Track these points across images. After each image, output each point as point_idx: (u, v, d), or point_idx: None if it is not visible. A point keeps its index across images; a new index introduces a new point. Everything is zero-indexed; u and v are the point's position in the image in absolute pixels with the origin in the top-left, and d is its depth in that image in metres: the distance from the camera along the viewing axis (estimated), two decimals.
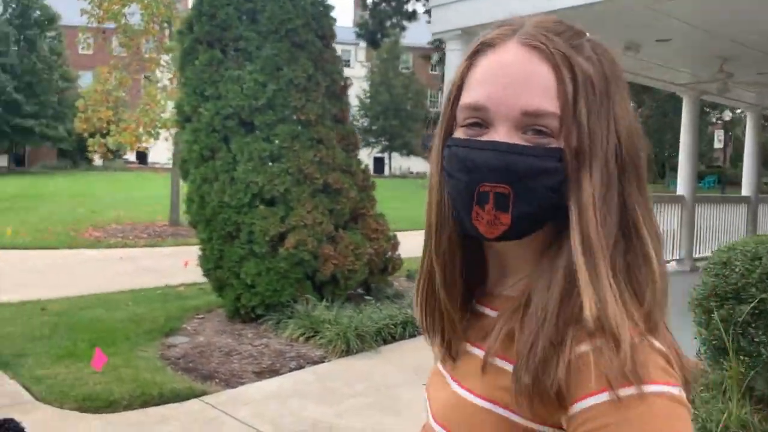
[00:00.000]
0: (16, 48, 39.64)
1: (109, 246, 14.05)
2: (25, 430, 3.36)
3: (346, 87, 8.10)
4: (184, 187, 8.05)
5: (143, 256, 12.93)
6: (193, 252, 14.34)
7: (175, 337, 7.18)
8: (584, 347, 0.79)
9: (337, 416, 4.70)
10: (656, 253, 0.86)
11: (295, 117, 7.19)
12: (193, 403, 4.85)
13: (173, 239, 15.11)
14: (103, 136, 16.88)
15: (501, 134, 0.84)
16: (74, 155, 48.46)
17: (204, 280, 10.67)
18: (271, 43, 7.14)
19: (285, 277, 6.95)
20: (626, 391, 0.75)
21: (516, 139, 0.84)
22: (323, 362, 5.87)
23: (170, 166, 18.20)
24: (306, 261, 7.00)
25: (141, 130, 15.26)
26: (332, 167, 7.36)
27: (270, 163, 7.05)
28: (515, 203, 0.83)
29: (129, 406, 4.78)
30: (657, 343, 0.81)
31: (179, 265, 12.39)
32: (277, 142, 7.06)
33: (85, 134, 16.93)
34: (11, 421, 3.22)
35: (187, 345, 6.69)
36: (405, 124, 49.61)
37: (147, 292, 9.38)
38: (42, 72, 39.85)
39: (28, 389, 5.25)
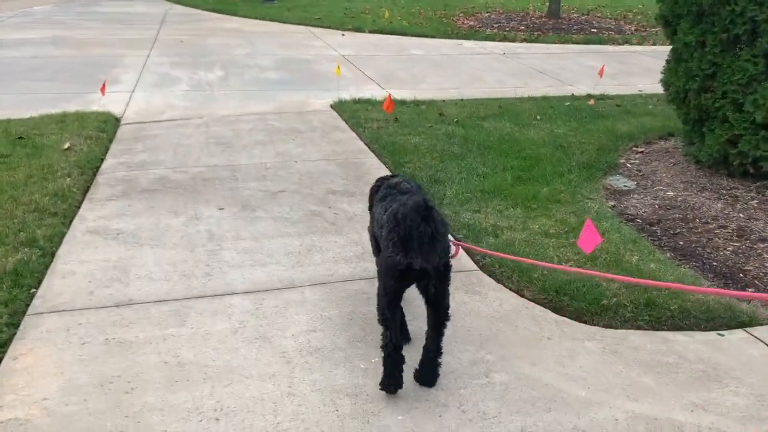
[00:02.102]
0: None
1: (486, 38, 12.32)
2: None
3: None
4: None
5: (527, 54, 10.94)
6: (586, 53, 11.88)
7: (616, 177, 5.20)
8: None
9: None
10: None
11: None
12: (742, 342, 2.84)
13: (555, 35, 12.75)
14: None
15: None
16: None
17: (617, 92, 8.38)
18: None
19: None
20: None
21: None
22: None
23: None
24: None
25: None
26: None
27: None
28: None
29: (632, 321, 2.97)
30: None
31: (572, 68, 10.18)
32: None
33: None
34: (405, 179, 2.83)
35: (649, 199, 4.64)
36: None
37: (552, 103, 7.44)
38: None
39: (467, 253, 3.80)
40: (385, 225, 2.37)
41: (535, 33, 12.85)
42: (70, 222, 3.99)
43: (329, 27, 13.08)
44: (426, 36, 12.47)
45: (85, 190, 4.55)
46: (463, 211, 4.24)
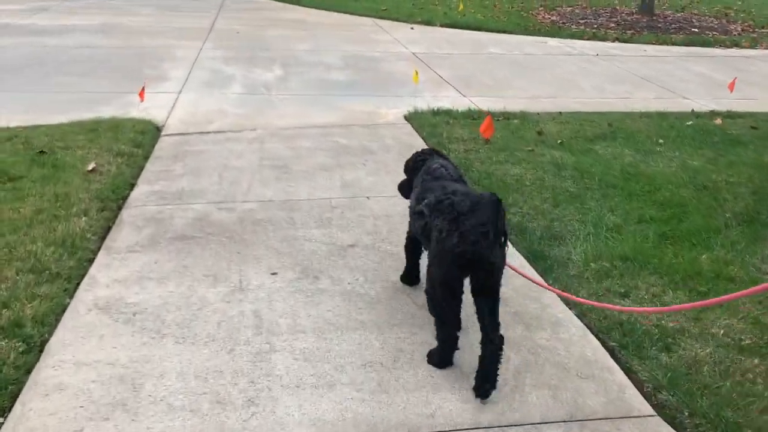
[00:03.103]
0: None
1: (573, 36, 10.96)
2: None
3: None
4: None
5: (622, 55, 9.56)
6: (692, 57, 10.04)
7: None
8: None
9: None
10: None
11: None
12: None
13: (651, 34, 11.27)
14: None
15: None
16: None
17: (746, 109, 6.92)
18: None
19: None
20: None
21: None
22: None
23: None
24: None
25: None
26: None
27: None
28: None
29: None
30: None
31: (680, 75, 8.69)
32: None
33: None
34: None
35: None
36: None
37: (671, 122, 6.14)
38: None
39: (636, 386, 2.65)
40: (446, 214, 2.38)
41: (629, 31, 11.41)
42: (76, 287, 3.01)
43: (396, 19, 11.93)
44: (504, 32, 11.20)
45: (105, 233, 3.57)
46: (603, 292, 3.07)
